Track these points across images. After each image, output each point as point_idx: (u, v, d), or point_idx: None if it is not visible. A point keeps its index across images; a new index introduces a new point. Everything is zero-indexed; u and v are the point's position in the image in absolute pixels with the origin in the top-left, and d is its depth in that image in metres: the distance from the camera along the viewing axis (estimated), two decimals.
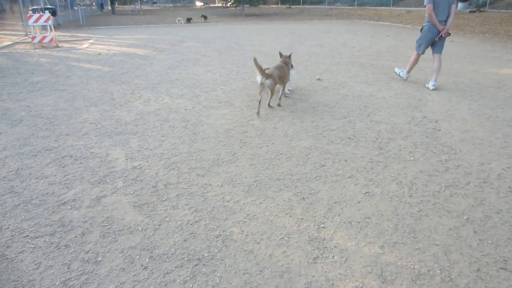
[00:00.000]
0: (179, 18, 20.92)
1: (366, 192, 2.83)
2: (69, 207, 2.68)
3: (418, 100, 5.21)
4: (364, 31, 14.93)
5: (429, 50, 5.82)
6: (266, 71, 4.65)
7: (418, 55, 5.90)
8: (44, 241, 2.33)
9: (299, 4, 32.02)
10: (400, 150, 3.57)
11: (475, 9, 18.20)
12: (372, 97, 5.39)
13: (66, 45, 11.13)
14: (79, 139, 3.88)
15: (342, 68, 7.44)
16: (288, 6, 32.13)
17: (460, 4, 18.77)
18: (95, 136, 3.96)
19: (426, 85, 5.90)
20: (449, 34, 5.52)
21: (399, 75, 6.38)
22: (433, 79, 5.76)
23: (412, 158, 3.40)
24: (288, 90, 5.46)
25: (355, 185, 2.94)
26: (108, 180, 3.03)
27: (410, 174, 3.10)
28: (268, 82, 4.55)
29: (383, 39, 12.21)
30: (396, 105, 4.98)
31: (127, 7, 35.04)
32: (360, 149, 3.60)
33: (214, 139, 3.84)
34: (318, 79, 6.45)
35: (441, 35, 5.50)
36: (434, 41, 5.62)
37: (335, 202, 2.71)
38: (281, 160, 3.37)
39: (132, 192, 2.86)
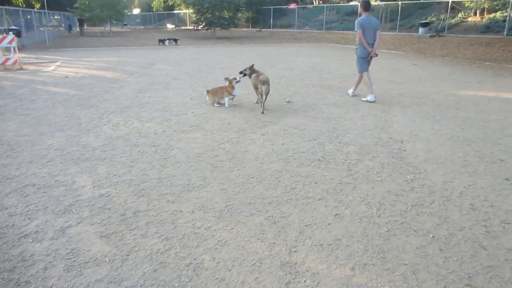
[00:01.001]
0: (168, 40, 20.92)
1: (336, 214, 2.89)
2: (31, 240, 2.56)
3: (384, 121, 5.43)
4: (332, 54, 15.51)
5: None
6: (261, 78, 5.67)
7: (367, 74, 6.74)
8: (2, 278, 2.21)
9: (269, 28, 32.98)
10: (368, 171, 3.68)
11: (434, 34, 19.43)
12: (341, 118, 5.55)
13: (31, 67, 10.84)
14: (43, 167, 3.74)
15: (311, 91, 7.64)
16: (258, 29, 32.99)
17: (420, 29, 20.02)
18: (61, 163, 3.84)
19: (348, 91, 7.25)
20: (376, 55, 6.57)
21: (368, 100, 6.68)
22: (370, 92, 6.67)
23: (379, 179, 3.52)
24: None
25: (325, 207, 3.00)
26: (73, 210, 2.93)
27: (378, 195, 3.20)
28: (264, 87, 5.61)
29: (350, 62, 12.72)
30: (363, 127, 5.15)
31: (97, 29, 34.74)
32: (330, 170, 3.69)
33: (185, 164, 3.82)
34: (288, 102, 6.58)
35: (371, 56, 6.54)
36: (367, 60, 6.63)
37: (306, 225, 2.74)
38: (252, 183, 3.39)
39: (99, 221, 2.78)
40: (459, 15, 20.75)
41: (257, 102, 6.30)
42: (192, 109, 6.07)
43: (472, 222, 2.82)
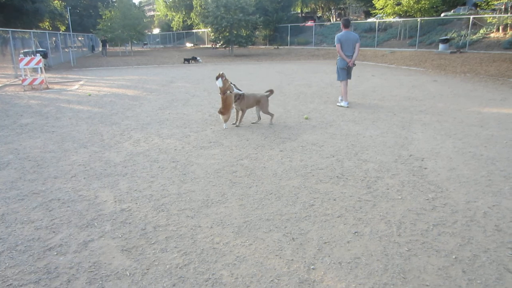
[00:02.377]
0: (198, 58, 21.67)
1: (355, 232, 2.88)
2: (55, 253, 2.66)
3: (404, 138, 5.39)
4: (355, 69, 15.52)
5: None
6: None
7: (345, 83, 7.70)
8: None
9: (287, 45, 33.42)
10: (388, 189, 3.66)
11: (455, 50, 19.24)
12: (359, 135, 5.54)
13: (56, 86, 11.32)
14: (67, 182, 3.89)
15: (329, 107, 7.66)
16: (276, 46, 33.49)
17: (441, 45, 19.87)
18: (84, 178, 3.98)
19: (339, 104, 7.88)
20: (355, 65, 7.57)
21: (341, 105, 7.77)
22: (345, 99, 7.72)
23: (399, 197, 3.48)
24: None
25: (344, 224, 2.99)
26: (96, 224, 3.03)
27: (398, 213, 3.17)
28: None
29: (369, 78, 12.71)
30: (383, 144, 5.13)
31: (118, 49, 36.06)
32: (349, 188, 3.68)
33: (204, 180, 3.89)
34: (306, 118, 6.63)
35: (349, 65, 7.50)
36: (346, 70, 7.61)
37: (325, 242, 2.74)
38: (271, 200, 3.42)
39: (120, 236, 2.86)
40: (481, 31, 20.54)
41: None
42: (210, 125, 6.19)
43: (497, 244, 2.75)
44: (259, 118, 6.24)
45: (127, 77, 13.46)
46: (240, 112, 6.02)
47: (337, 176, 3.97)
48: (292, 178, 3.93)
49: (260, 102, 6.02)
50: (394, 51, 22.33)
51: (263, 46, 35.86)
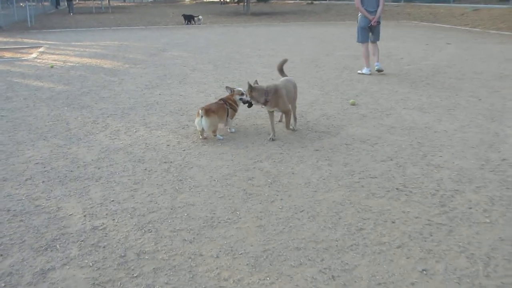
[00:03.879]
0: (199, 17, 21.59)
1: (423, 270, 2.81)
2: (3, 284, 2.68)
3: (494, 135, 5.25)
4: (415, 36, 15.34)
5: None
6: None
7: (366, 46, 8.65)
8: None
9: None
10: (470, 208, 3.56)
11: None
12: (429, 130, 5.45)
13: (7, 54, 11.54)
14: (20, 187, 3.93)
15: (386, 89, 7.58)
16: (310, 1, 33.21)
17: None
18: (43, 182, 4.03)
19: (360, 71, 8.90)
20: (379, 23, 8.34)
21: (363, 73, 8.80)
22: (376, 60, 8.73)
23: (488, 220, 3.38)
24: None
25: (407, 258, 2.92)
26: (58, 246, 3.04)
27: (486, 243, 3.08)
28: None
29: (442, 47, 12.48)
30: (463, 142, 5.02)
31: (91, 3, 36.45)
32: (414, 205, 3.61)
33: (208, 189, 3.88)
34: (353, 104, 6.58)
35: (371, 24, 8.25)
36: (371, 29, 8.42)
37: (379, 284, 2.68)
38: (302, 220, 3.38)
39: (91, 264, 2.86)
40: None
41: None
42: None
43: None
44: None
45: (103, 43, 13.61)
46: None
47: (396, 188, 3.89)
48: (333, 189, 3.88)
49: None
50: (478, 8, 21.81)
51: (292, 1, 35.67)
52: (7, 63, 10.23)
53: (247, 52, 11.72)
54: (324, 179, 4.10)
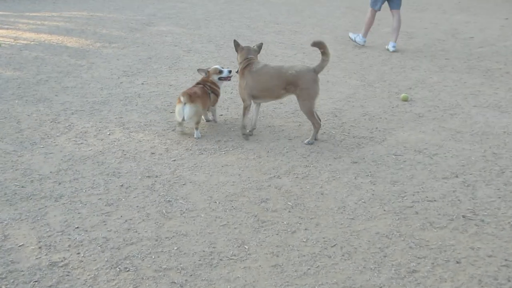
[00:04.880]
0: None
1: None
2: None
3: None
4: (490, 8, 15.21)
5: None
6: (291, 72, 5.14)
7: (373, 13, 9.40)
8: None
9: None
10: None
11: None
12: (509, 136, 5.41)
13: None
14: None
15: (450, 79, 7.56)
16: None
17: None
18: None
19: (386, 47, 9.49)
20: None
21: (355, 40, 9.72)
22: (393, 39, 9.33)
23: None
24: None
25: None
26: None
27: None
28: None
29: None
30: None
31: None
32: (487, 240, 3.56)
33: (206, 214, 3.87)
34: (405, 100, 6.56)
35: None
36: None
37: None
38: (333, 258, 3.35)
39: None
40: None
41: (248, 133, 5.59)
42: (222, 109, 6.15)
43: None
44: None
45: (67, 14, 13.62)
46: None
47: (463, 216, 3.86)
48: (376, 216, 3.85)
49: (297, 84, 5.61)
50: None
51: None
52: None
53: (261, 27, 11.66)
54: (364, 202, 4.07)
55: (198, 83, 5.51)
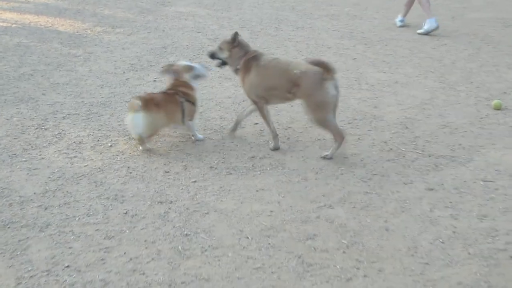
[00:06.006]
0: None
1: None
2: None
3: None
4: None
5: None
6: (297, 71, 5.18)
7: None
8: None
9: None
10: None
11: None
12: None
13: None
14: None
15: None
16: None
17: None
18: None
19: (396, 21, 10.63)
20: None
21: (426, 31, 10.04)
22: (431, 16, 9.95)
23: None
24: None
25: None
26: None
27: None
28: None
29: None
30: None
31: None
32: None
33: (234, 252, 3.88)
34: (498, 108, 6.57)
35: None
36: None
37: None
38: None
39: None
40: None
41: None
42: (256, 114, 6.10)
43: None
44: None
45: None
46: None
47: None
48: (458, 261, 3.82)
49: (300, 87, 5.67)
50: None
51: None
52: None
53: (309, 9, 11.64)
54: (442, 242, 4.04)
55: (169, 89, 5.49)
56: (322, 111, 5.20)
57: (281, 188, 4.75)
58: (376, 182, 4.87)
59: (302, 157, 5.31)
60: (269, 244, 3.99)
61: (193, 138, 5.61)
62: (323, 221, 4.29)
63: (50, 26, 9.92)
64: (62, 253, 3.84)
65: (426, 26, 9.79)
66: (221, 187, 4.76)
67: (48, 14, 10.97)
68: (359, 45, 9.07)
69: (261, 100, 5.49)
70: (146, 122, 5.05)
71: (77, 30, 9.73)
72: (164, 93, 5.42)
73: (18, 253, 3.83)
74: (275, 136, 5.47)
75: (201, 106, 6.03)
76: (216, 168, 5.07)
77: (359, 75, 7.69)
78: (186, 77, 5.50)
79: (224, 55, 5.61)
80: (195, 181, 4.84)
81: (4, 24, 9.93)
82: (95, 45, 8.84)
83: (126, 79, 7.38)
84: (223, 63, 5.68)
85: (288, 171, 5.03)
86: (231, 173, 4.98)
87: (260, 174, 4.99)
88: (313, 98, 5.19)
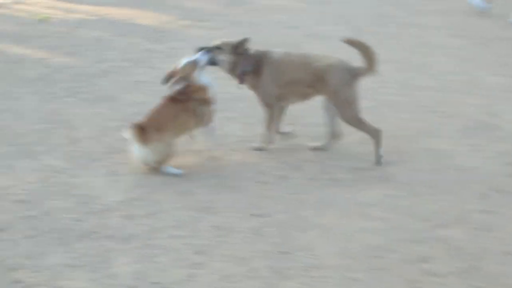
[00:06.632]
0: None
1: None
2: None
3: None
4: None
5: None
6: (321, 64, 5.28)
7: None
8: None
9: None
10: None
11: None
12: None
13: None
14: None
15: None
16: None
17: None
18: (25, 238, 4.15)
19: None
20: None
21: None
22: None
23: None
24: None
25: None
26: None
27: None
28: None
29: None
30: None
31: None
32: None
33: (337, 273, 3.90)
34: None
35: None
36: None
37: None
38: None
39: None
40: None
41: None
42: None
43: None
44: (334, 135, 5.83)
45: None
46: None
47: None
48: None
49: (327, 82, 5.63)
50: None
51: None
52: None
53: (417, 4, 11.57)
54: None
55: (178, 92, 5.34)
56: (352, 109, 5.31)
57: (388, 203, 4.75)
58: (495, 200, 4.83)
59: (411, 169, 5.31)
60: (376, 265, 3.98)
61: (210, 142, 5.58)
62: (437, 242, 4.25)
63: (130, 19, 10.14)
64: (147, 267, 3.90)
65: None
66: (321, 199, 4.79)
67: (128, 6, 11.21)
68: (472, 45, 8.98)
69: (278, 102, 5.55)
70: (146, 153, 5.00)
71: (159, 23, 9.90)
72: (174, 99, 5.31)
73: (101, 265, 3.90)
74: (269, 143, 5.56)
75: (295, 111, 6.09)
76: (315, 179, 5.11)
77: (473, 78, 7.66)
78: (195, 76, 5.38)
79: (223, 57, 5.59)
80: (292, 193, 4.89)
81: (82, 16, 10.18)
82: (178, 40, 8.94)
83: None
84: (213, 63, 5.60)
85: (396, 185, 5.03)
86: (332, 185, 5.01)
87: (364, 187, 5.00)
88: (340, 94, 5.29)
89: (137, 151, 4.96)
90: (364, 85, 6.51)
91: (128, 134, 4.97)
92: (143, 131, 4.92)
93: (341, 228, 4.41)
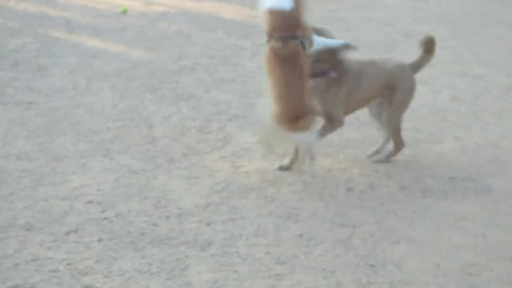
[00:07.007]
0: None
1: None
2: None
3: None
4: None
5: None
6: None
7: None
8: None
9: None
10: None
11: None
12: None
13: None
14: (58, 243, 4.19)
15: None
16: None
17: None
18: (98, 241, 4.25)
19: None
20: None
21: None
22: None
23: None
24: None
25: None
26: None
27: None
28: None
29: None
30: None
31: None
32: None
33: None
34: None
35: None
36: None
37: None
38: None
39: None
40: None
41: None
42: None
43: None
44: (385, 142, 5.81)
45: None
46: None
47: None
48: None
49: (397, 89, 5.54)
50: None
51: None
52: (41, 1, 11.00)
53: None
54: None
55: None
56: (402, 112, 5.39)
57: (488, 218, 4.72)
58: None
59: None
60: (472, 284, 3.95)
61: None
62: None
63: (214, 13, 10.22)
64: (226, 277, 3.94)
65: None
66: (414, 211, 4.78)
67: None
68: None
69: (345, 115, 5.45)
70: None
71: (245, 18, 9.97)
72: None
73: (176, 273, 3.96)
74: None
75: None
76: (408, 189, 5.09)
77: None
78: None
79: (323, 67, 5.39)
80: (383, 203, 4.88)
81: (162, 9, 10.32)
82: (264, 36, 8.94)
83: None
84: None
85: (496, 198, 4.99)
86: (426, 196, 4.98)
87: (461, 199, 4.96)
88: (406, 98, 5.38)
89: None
90: (464, 88, 6.48)
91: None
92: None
93: (434, 243, 4.40)
